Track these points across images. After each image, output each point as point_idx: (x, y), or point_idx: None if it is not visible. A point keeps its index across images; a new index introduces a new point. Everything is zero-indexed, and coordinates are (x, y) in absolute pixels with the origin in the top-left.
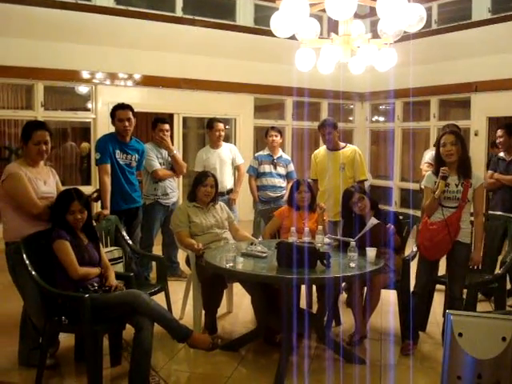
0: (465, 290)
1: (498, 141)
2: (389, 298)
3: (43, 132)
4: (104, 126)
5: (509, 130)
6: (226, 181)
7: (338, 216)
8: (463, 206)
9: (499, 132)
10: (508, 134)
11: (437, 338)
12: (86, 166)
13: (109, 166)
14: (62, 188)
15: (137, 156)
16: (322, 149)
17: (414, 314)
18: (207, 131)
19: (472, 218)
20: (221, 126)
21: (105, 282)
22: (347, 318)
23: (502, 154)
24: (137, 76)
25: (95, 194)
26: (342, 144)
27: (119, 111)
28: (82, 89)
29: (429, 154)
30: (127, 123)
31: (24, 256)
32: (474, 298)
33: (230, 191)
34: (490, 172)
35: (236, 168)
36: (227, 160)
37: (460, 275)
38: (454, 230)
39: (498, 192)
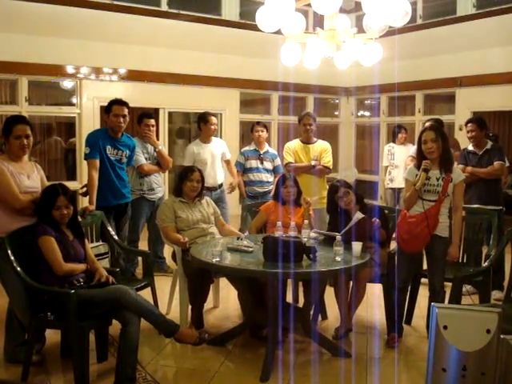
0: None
1: (468, 135)
2: (374, 291)
3: (24, 126)
4: (89, 121)
5: (480, 123)
6: (218, 175)
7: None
8: (442, 200)
9: (470, 126)
10: (479, 127)
11: (422, 331)
12: (71, 161)
13: (98, 161)
14: (47, 183)
15: (128, 152)
16: (296, 141)
17: (396, 308)
18: (201, 125)
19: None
20: (215, 120)
21: (91, 277)
22: (333, 312)
23: (471, 148)
24: (122, 71)
25: (84, 189)
26: (314, 139)
27: (116, 106)
28: (67, 83)
29: (412, 149)
30: (122, 119)
31: (9, 252)
32: (459, 292)
33: (221, 185)
34: (461, 166)
35: (225, 162)
36: (218, 155)
37: (439, 269)
38: (433, 223)
39: (473, 185)
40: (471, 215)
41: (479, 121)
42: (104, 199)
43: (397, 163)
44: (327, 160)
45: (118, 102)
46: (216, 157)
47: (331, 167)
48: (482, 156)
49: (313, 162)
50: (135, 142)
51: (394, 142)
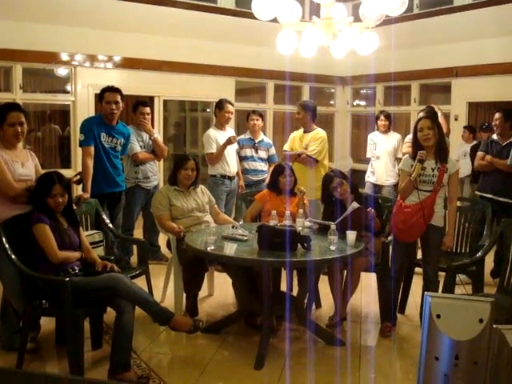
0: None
1: (493, 123)
2: (368, 280)
3: (18, 113)
4: (83, 109)
5: (506, 114)
6: (235, 164)
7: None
8: (438, 190)
9: (497, 115)
10: (505, 118)
11: (415, 320)
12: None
13: (92, 149)
14: (42, 171)
15: (122, 140)
16: (300, 130)
17: (390, 297)
18: (216, 111)
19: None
20: (231, 108)
21: (86, 265)
22: (327, 301)
23: (495, 137)
24: (117, 58)
25: (77, 177)
26: (313, 127)
27: (107, 93)
28: (61, 71)
29: (409, 136)
30: (114, 106)
31: (3, 239)
32: (452, 281)
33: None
34: (481, 153)
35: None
36: (234, 144)
37: (433, 258)
38: (428, 213)
39: (489, 174)
40: (465, 205)
41: (506, 112)
42: (98, 187)
43: (378, 154)
44: (312, 149)
45: (109, 89)
46: (232, 145)
47: (318, 157)
48: (505, 147)
49: (299, 151)
50: (130, 129)
51: (377, 129)
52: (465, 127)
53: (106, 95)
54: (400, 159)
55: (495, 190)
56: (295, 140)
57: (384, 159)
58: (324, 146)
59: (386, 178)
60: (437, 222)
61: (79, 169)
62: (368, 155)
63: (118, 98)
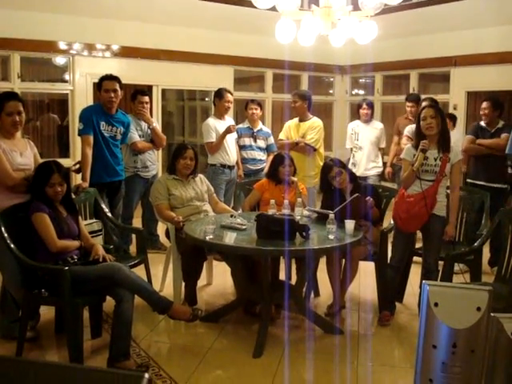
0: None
1: (482, 112)
2: (367, 269)
3: (16, 102)
4: (82, 98)
5: (495, 103)
6: (234, 154)
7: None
8: (440, 180)
9: (485, 104)
10: (493, 107)
11: (413, 309)
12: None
13: (91, 138)
14: (41, 160)
15: (122, 129)
16: (295, 119)
17: (390, 286)
18: (216, 100)
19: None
20: (230, 97)
21: (85, 254)
22: (326, 290)
23: (483, 124)
24: (115, 47)
25: (77, 166)
26: (309, 116)
27: (106, 82)
28: (60, 60)
29: (407, 128)
30: (113, 94)
31: (2, 229)
32: (451, 270)
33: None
34: (470, 136)
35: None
36: (233, 133)
37: (435, 248)
38: (431, 202)
39: (481, 160)
40: (464, 195)
41: (494, 100)
42: (97, 176)
43: (361, 144)
44: (310, 137)
45: (108, 78)
46: (232, 134)
47: (316, 145)
48: (494, 134)
49: (296, 139)
50: (130, 118)
51: (359, 118)
52: (446, 115)
53: (104, 83)
54: (382, 149)
55: (488, 177)
56: (291, 129)
57: (366, 150)
58: (321, 135)
59: (369, 168)
60: (439, 211)
61: (78, 158)
62: (348, 146)
63: (117, 86)
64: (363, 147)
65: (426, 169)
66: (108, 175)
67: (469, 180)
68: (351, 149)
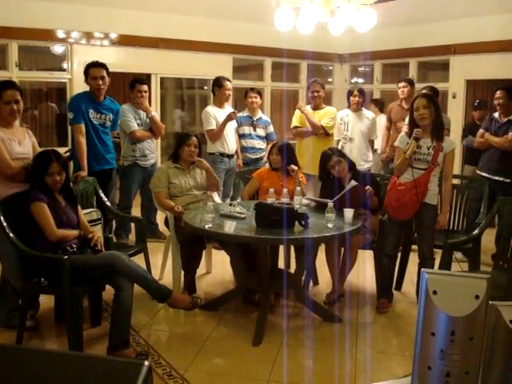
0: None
1: (496, 102)
2: (366, 258)
3: (13, 91)
4: (80, 86)
5: (509, 92)
6: (234, 143)
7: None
8: (432, 169)
9: (499, 93)
10: (508, 96)
11: (412, 297)
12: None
13: (83, 126)
14: (39, 149)
15: (111, 116)
16: (307, 107)
17: (386, 274)
18: (215, 89)
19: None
20: (229, 85)
21: (84, 243)
22: (324, 278)
23: (496, 115)
24: (113, 35)
25: (67, 154)
26: (323, 105)
27: (92, 69)
28: (58, 48)
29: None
30: (100, 81)
31: (1, 218)
32: (449, 258)
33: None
34: (481, 131)
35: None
36: (233, 122)
37: (428, 236)
38: (422, 191)
39: (487, 152)
40: (463, 183)
41: (509, 90)
42: (87, 164)
43: (351, 135)
44: (325, 121)
45: (93, 65)
46: (231, 123)
47: (330, 131)
48: (503, 125)
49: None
50: (126, 107)
51: (349, 107)
52: (371, 100)
53: (91, 71)
54: (373, 141)
55: (491, 169)
56: (303, 118)
57: (357, 141)
58: (336, 122)
59: (360, 162)
60: (430, 199)
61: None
62: (337, 137)
63: (104, 73)
64: (353, 138)
65: (418, 157)
66: (98, 164)
67: (478, 172)
68: (338, 141)
